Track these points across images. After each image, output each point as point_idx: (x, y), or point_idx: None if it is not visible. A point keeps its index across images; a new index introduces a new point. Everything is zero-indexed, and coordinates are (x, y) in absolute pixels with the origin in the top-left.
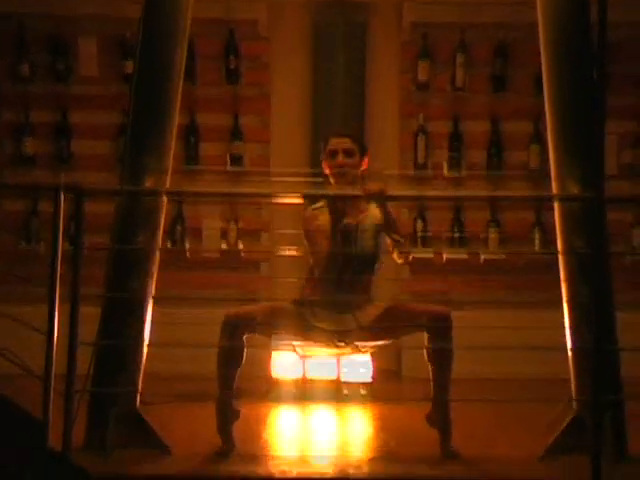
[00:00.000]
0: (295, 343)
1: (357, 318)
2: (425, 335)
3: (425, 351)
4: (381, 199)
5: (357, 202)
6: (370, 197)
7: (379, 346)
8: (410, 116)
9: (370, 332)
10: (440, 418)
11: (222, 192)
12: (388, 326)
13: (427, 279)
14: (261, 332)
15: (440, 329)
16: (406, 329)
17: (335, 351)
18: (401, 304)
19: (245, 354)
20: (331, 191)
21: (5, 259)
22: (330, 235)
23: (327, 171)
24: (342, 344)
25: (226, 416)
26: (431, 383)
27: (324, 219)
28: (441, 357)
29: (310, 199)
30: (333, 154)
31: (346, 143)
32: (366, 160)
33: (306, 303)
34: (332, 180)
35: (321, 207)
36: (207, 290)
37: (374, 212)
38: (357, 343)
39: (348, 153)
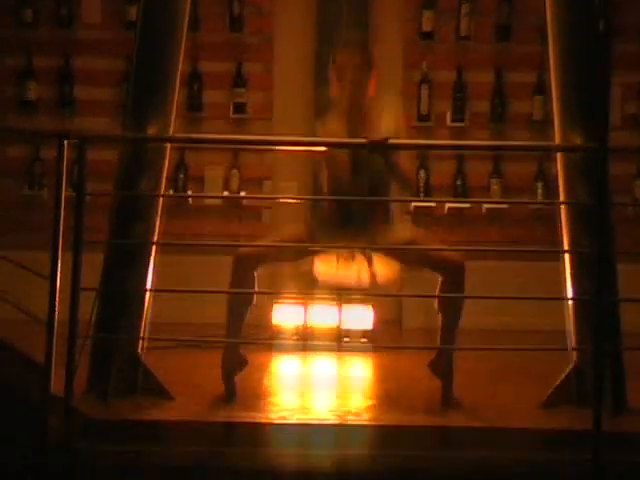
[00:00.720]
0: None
1: (375, 239)
2: (439, 282)
3: (437, 299)
4: (384, 148)
5: (369, 115)
6: (373, 146)
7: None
8: (414, 66)
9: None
10: (443, 366)
11: (225, 138)
12: (404, 259)
13: (429, 229)
14: (273, 262)
15: (454, 277)
16: (420, 265)
17: (346, 272)
18: (420, 249)
19: (255, 296)
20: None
21: (8, 205)
22: (349, 157)
23: (335, 93)
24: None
25: (232, 362)
26: (439, 331)
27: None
28: (452, 306)
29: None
30: (342, 72)
31: (355, 58)
32: (374, 80)
33: (320, 223)
34: (342, 102)
35: (331, 121)
36: (209, 237)
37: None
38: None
39: (357, 70)
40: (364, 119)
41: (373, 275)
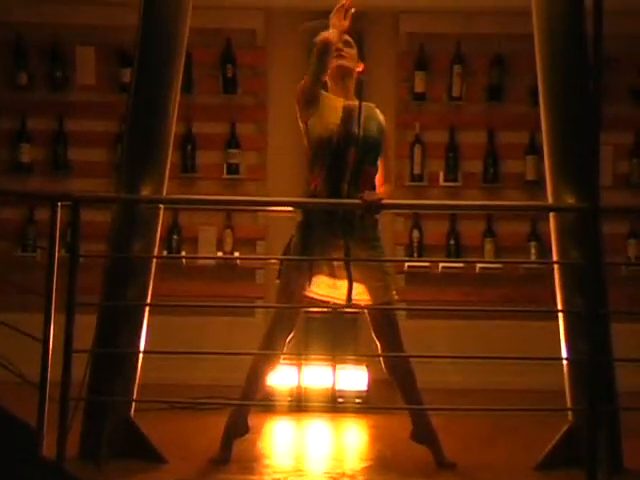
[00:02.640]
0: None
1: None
2: (378, 345)
3: (383, 365)
4: (379, 208)
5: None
6: (368, 206)
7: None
8: (407, 126)
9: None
10: (424, 431)
11: (218, 199)
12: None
13: (422, 289)
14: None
15: (390, 339)
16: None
17: (337, 291)
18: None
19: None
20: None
21: (1, 267)
22: (340, 113)
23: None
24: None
25: (236, 428)
26: (402, 399)
27: (333, 99)
28: (400, 367)
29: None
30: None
31: (345, 36)
32: (362, 64)
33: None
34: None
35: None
36: (203, 298)
37: (379, 115)
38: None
39: (347, 44)
40: (353, 90)
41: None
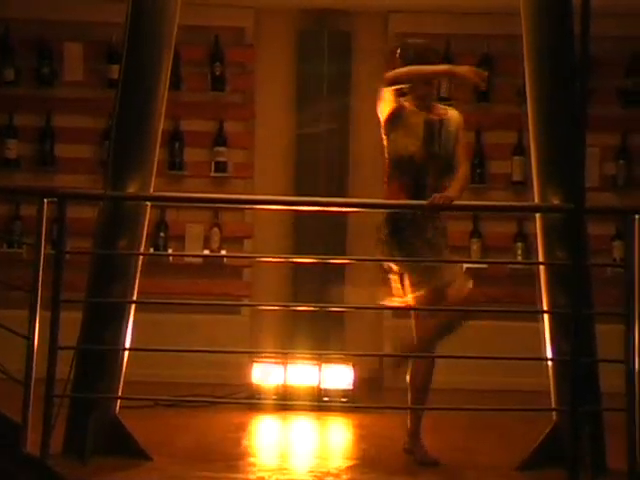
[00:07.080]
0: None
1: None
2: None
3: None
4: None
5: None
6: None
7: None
8: None
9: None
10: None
11: (206, 197)
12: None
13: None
14: None
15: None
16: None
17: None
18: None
19: None
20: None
21: None
22: (422, 132)
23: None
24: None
25: None
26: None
27: (414, 114)
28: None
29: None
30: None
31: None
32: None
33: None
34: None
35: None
36: (189, 296)
37: (454, 116)
38: None
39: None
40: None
41: None
